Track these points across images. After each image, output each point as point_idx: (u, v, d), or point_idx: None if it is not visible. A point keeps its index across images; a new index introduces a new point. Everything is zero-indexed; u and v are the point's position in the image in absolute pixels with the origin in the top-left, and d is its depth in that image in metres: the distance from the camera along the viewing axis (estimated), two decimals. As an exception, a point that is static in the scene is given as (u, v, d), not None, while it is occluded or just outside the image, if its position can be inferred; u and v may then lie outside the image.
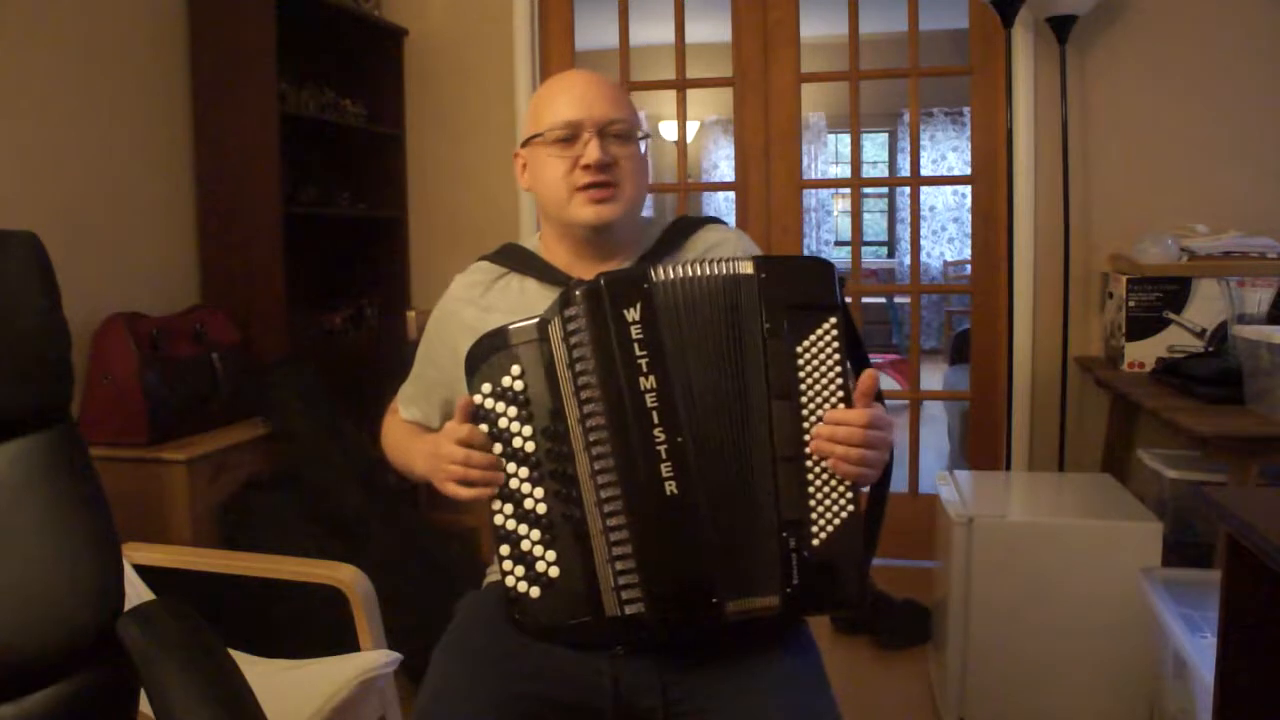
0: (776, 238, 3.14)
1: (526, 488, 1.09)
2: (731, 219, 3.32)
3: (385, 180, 3.22)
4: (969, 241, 3.31)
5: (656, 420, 1.04)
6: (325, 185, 3.04)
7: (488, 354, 1.11)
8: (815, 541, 1.06)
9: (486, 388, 1.10)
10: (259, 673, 1.56)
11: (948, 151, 8.00)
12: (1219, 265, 2.46)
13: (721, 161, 8.11)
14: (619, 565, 1.05)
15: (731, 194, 3.28)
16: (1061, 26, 2.69)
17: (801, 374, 1.06)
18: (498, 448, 1.10)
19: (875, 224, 8.90)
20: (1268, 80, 2.74)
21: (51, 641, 1.14)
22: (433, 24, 3.20)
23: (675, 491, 1.04)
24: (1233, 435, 1.90)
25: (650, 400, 1.04)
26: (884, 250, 8.79)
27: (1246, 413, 2.00)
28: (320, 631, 1.71)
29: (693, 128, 8.02)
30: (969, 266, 3.35)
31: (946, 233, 8.17)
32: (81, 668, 1.16)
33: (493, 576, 1.31)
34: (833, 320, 1.06)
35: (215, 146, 2.64)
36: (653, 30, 3.78)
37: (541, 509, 1.09)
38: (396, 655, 1.60)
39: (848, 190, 6.02)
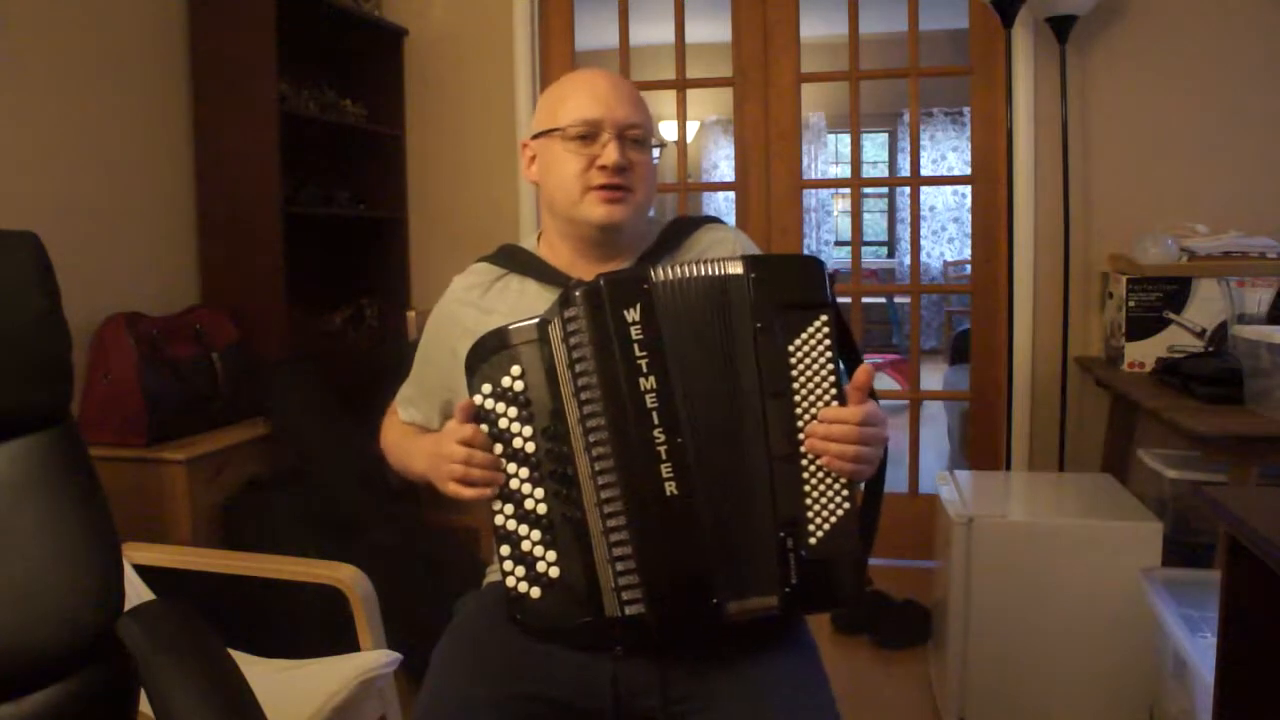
0: (776, 238, 3.14)
1: (527, 488, 1.09)
2: (731, 219, 3.32)
3: (385, 180, 3.22)
4: (969, 241, 3.31)
5: (656, 421, 1.04)
6: (325, 185, 3.04)
7: (488, 354, 1.11)
8: (812, 540, 1.06)
9: (487, 388, 1.10)
10: (259, 673, 1.56)
11: (948, 151, 8.00)
12: (1219, 265, 2.46)
13: (721, 161, 8.11)
14: (619, 566, 1.05)
15: (731, 194, 3.28)
16: (1061, 26, 2.69)
17: (794, 372, 1.06)
18: (498, 448, 1.10)
19: (875, 224, 8.90)
20: (1268, 80, 2.74)
21: (51, 641, 1.14)
22: (433, 24, 3.20)
23: (675, 492, 1.04)
24: (1233, 435, 1.90)
25: (650, 401, 1.04)
26: (884, 250, 8.79)
27: (1246, 413, 2.00)
28: (320, 631, 1.71)
29: (693, 128, 8.02)
30: (969, 266, 3.35)
31: (946, 233, 8.17)
32: (81, 668, 1.16)
33: (493, 576, 1.31)
34: (824, 318, 1.07)
35: (215, 146, 2.65)
36: (653, 30, 3.78)
37: (542, 509, 1.09)
38: (396, 655, 1.60)
39: (848, 190, 6.02)
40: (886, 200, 8.82)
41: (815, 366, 1.06)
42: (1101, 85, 2.83)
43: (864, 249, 7.53)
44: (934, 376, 5.34)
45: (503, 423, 1.10)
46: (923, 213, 7.93)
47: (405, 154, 3.24)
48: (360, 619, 1.60)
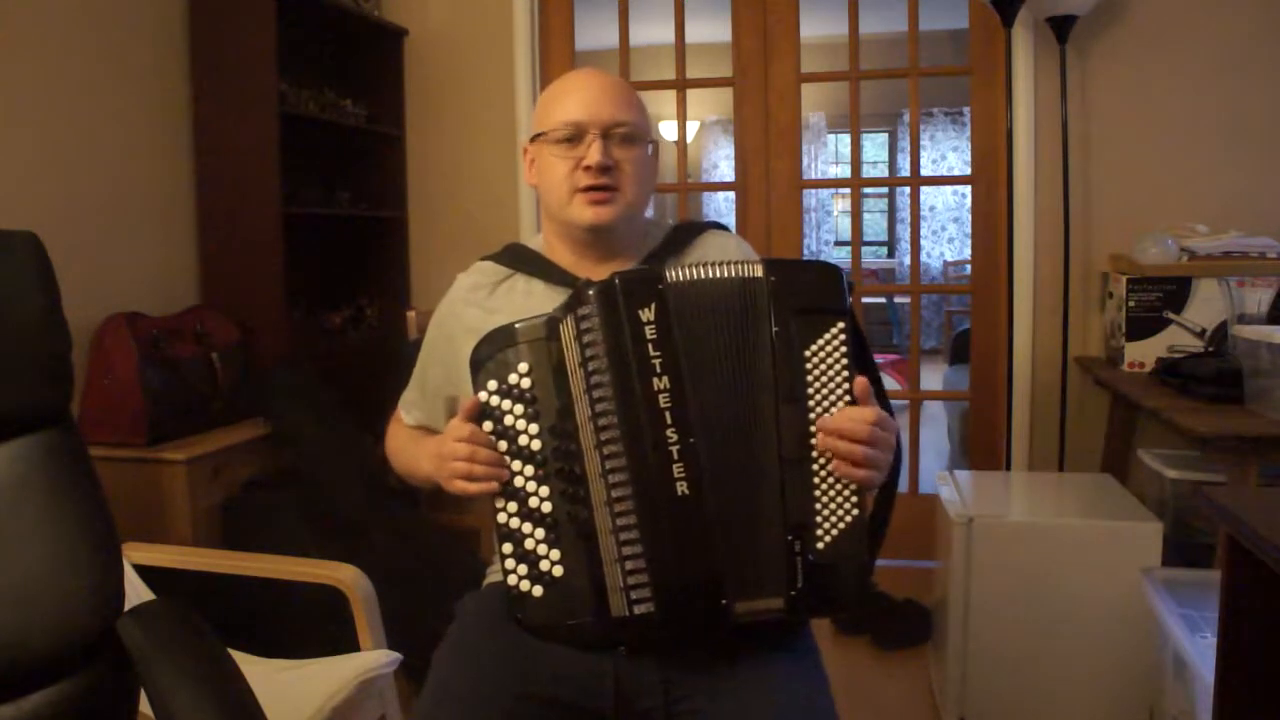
0: (776, 238, 3.14)
1: (531, 486, 1.09)
2: (731, 219, 3.32)
3: (385, 180, 3.22)
4: (969, 241, 3.31)
5: (669, 421, 1.04)
6: (325, 185, 3.04)
7: (493, 352, 1.10)
8: (820, 545, 1.06)
9: (492, 385, 1.10)
10: (259, 673, 1.55)
11: (948, 151, 8.00)
12: (1219, 265, 2.46)
13: (721, 161, 8.11)
14: (629, 565, 1.05)
15: (731, 194, 3.28)
16: (1061, 26, 2.69)
17: (809, 377, 1.06)
18: (502, 445, 1.09)
19: (875, 224, 8.90)
20: (1268, 80, 2.74)
21: (51, 641, 1.14)
22: (433, 24, 3.20)
23: (686, 492, 1.04)
24: (1233, 435, 1.90)
25: (664, 401, 1.04)
26: (884, 250, 8.79)
27: (1246, 413, 2.00)
28: (320, 631, 1.71)
29: (693, 128, 8.02)
30: (969, 266, 3.35)
31: (946, 233, 8.17)
32: (81, 668, 1.16)
33: (493, 577, 1.31)
34: (841, 325, 1.07)
35: (215, 146, 2.65)
36: (653, 30, 3.78)
37: (546, 507, 1.08)
38: (396, 655, 1.60)
39: (848, 190, 6.02)
40: (886, 200, 8.82)
41: (830, 373, 1.06)
42: (1101, 85, 2.83)
43: (864, 249, 7.53)
44: (934, 376, 5.34)
45: (508, 420, 1.09)
46: (923, 213, 7.93)
47: (405, 154, 3.24)
48: (360, 619, 1.60)
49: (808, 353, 1.06)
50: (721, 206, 8.08)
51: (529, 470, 1.09)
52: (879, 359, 5.76)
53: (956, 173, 7.84)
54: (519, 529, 1.09)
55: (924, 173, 7.10)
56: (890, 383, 5.29)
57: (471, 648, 1.17)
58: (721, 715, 1.08)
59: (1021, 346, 2.89)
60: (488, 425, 1.10)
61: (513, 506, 1.09)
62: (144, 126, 2.52)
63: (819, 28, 3.53)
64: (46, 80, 2.21)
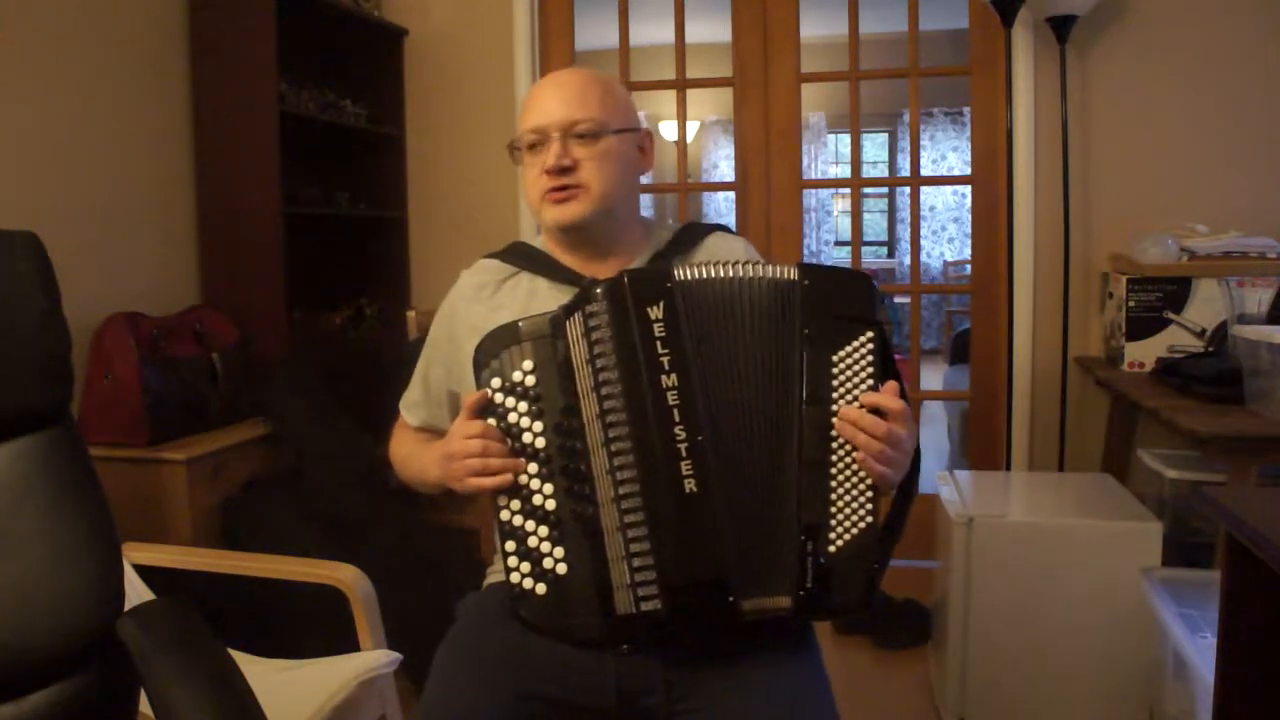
0: (776, 238, 3.14)
1: (535, 484, 1.09)
2: (731, 219, 3.32)
3: (385, 180, 3.22)
4: (969, 241, 3.31)
5: (678, 418, 1.04)
6: (325, 185, 3.04)
7: (498, 349, 1.11)
8: (832, 548, 1.06)
9: (496, 383, 1.10)
10: (259, 673, 1.56)
11: (948, 151, 8.00)
12: (1219, 265, 2.46)
13: (721, 161, 8.11)
14: (636, 563, 1.05)
15: (731, 194, 3.28)
16: (1061, 26, 2.69)
17: (835, 382, 1.07)
18: (506, 443, 1.09)
19: (875, 224, 8.90)
20: (1268, 80, 2.74)
21: (51, 641, 1.14)
22: (433, 24, 3.20)
23: (695, 489, 1.04)
24: (1233, 435, 1.90)
25: (672, 398, 1.04)
26: (884, 250, 8.79)
27: (1246, 413, 2.00)
28: (320, 631, 1.70)
29: (693, 128, 8.02)
30: (969, 266, 3.35)
31: (946, 233, 8.17)
32: (81, 668, 1.16)
33: (493, 577, 1.31)
34: (870, 334, 1.08)
35: (215, 147, 2.64)
36: (653, 30, 3.78)
37: (550, 505, 1.08)
38: (396, 655, 1.60)
39: (848, 190, 6.02)
40: (886, 200, 8.82)
41: (856, 380, 1.07)
42: (1101, 85, 2.83)
43: (864, 249, 7.52)
44: (934, 376, 5.34)
45: (512, 417, 1.10)
46: (923, 213, 7.93)
47: (405, 154, 3.24)
48: (360, 619, 1.60)
49: (835, 358, 1.07)
50: (721, 206, 8.07)
51: (532, 468, 1.09)
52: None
53: (956, 173, 7.84)
54: (522, 526, 1.09)
55: (924, 173, 7.10)
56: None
57: (473, 647, 1.17)
58: (723, 714, 1.09)
59: (1021, 346, 2.89)
60: (490, 423, 1.10)
61: (516, 504, 1.09)
62: (144, 126, 2.52)
63: (819, 28, 3.53)
64: (46, 80, 2.21)
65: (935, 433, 4.45)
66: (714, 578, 1.05)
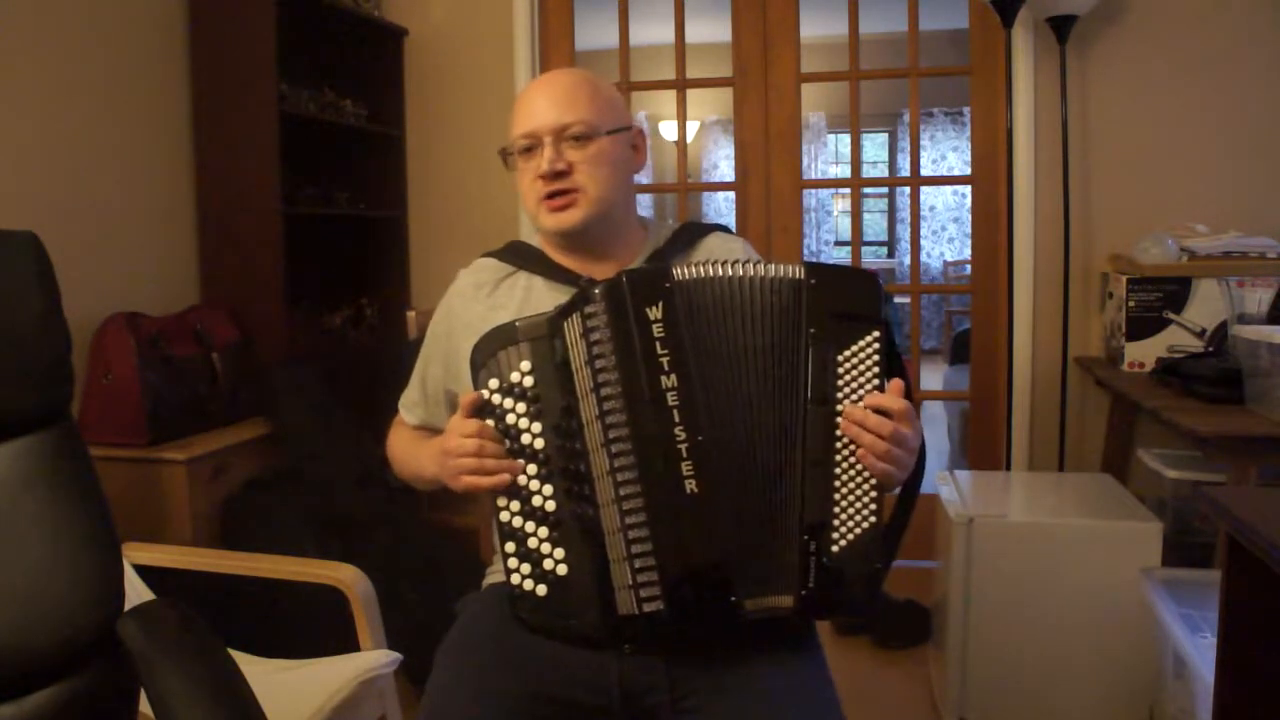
0: (777, 238, 3.14)
1: (535, 485, 1.09)
2: (731, 219, 3.32)
3: (385, 180, 3.22)
4: (969, 241, 3.31)
5: (678, 419, 1.04)
6: (325, 185, 3.04)
7: (495, 350, 1.10)
8: (835, 548, 1.06)
9: (493, 383, 1.10)
10: (259, 673, 1.56)
11: (948, 151, 8.00)
12: (1219, 265, 2.46)
13: (721, 161, 8.11)
14: (638, 563, 1.05)
15: (731, 194, 3.28)
16: (1061, 26, 2.69)
17: (840, 381, 1.06)
18: (504, 444, 1.09)
19: (875, 224, 8.89)
20: (1268, 80, 2.73)
21: (51, 641, 1.14)
22: (433, 24, 3.20)
23: (696, 490, 1.04)
24: (1233, 435, 1.90)
25: (671, 399, 1.04)
26: (884, 250, 8.79)
27: (1246, 413, 2.00)
28: (320, 631, 1.71)
29: (693, 128, 8.02)
30: (969, 266, 3.35)
31: (946, 233, 8.17)
32: (81, 668, 1.16)
33: (493, 577, 1.31)
34: (876, 334, 1.07)
35: (215, 147, 2.64)
36: (653, 30, 3.78)
37: (550, 506, 1.08)
38: (396, 655, 1.59)
39: (848, 190, 6.03)
40: (886, 200, 8.82)
41: (861, 379, 1.07)
42: (1101, 85, 2.83)
43: (864, 249, 7.54)
44: (934, 376, 5.34)
45: (510, 418, 1.09)
46: (923, 213, 7.93)
47: (405, 154, 3.24)
48: (360, 619, 1.60)
49: (841, 357, 1.07)
50: (721, 206, 8.07)
51: (531, 469, 1.09)
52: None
53: (956, 173, 7.84)
54: (522, 528, 1.09)
55: (924, 173, 7.10)
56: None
57: (473, 647, 1.17)
58: (726, 714, 1.08)
59: (1021, 346, 2.89)
60: (489, 423, 1.10)
61: (515, 505, 1.09)
62: (144, 126, 2.52)
63: (819, 28, 3.53)
64: (46, 80, 2.21)
65: (935, 433, 4.45)
66: (716, 578, 1.05)
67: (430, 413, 1.36)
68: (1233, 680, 1.20)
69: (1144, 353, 2.50)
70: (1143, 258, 2.53)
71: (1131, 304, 2.50)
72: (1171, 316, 2.48)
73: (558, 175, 1.21)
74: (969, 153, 3.10)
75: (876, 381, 1.07)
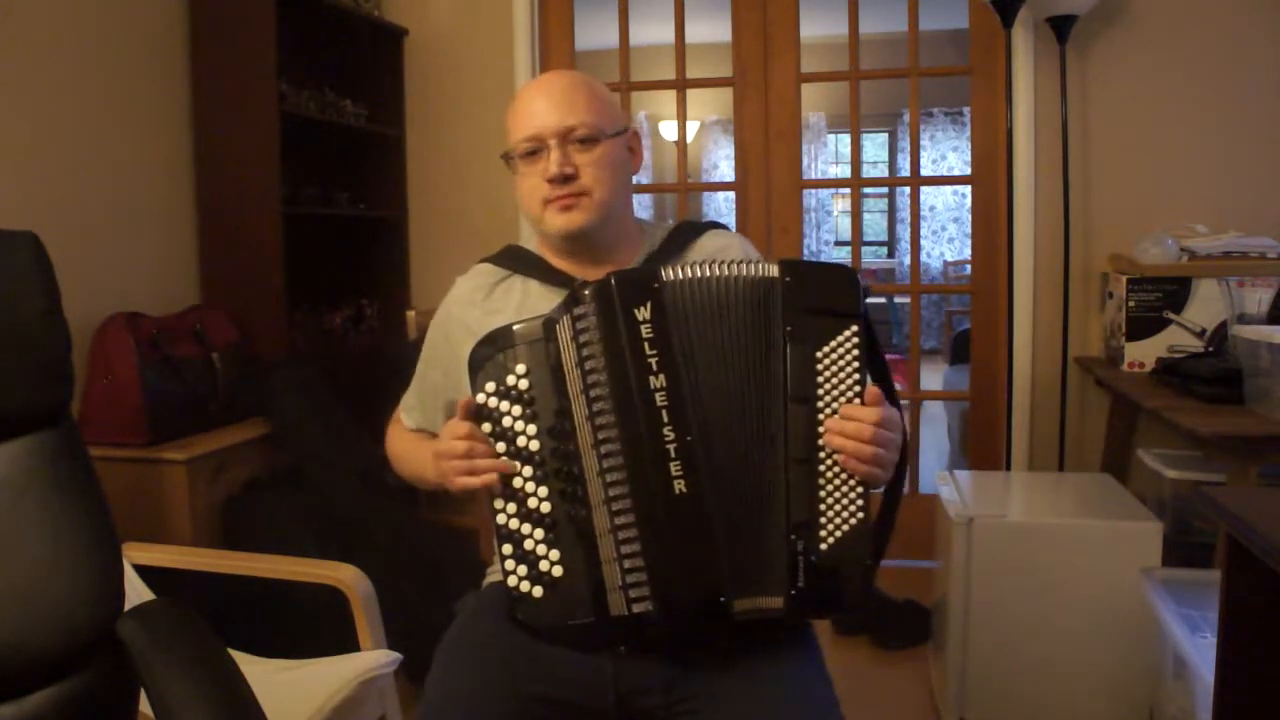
0: (777, 238, 3.14)
1: (530, 486, 1.09)
2: (731, 219, 3.33)
3: (385, 180, 3.22)
4: (969, 241, 3.31)
5: (666, 419, 1.04)
6: (325, 185, 3.04)
7: (492, 354, 1.11)
8: (823, 546, 1.06)
9: (490, 386, 1.10)
10: (259, 673, 1.56)
11: (948, 151, 8.00)
12: (1219, 265, 2.46)
13: (721, 161, 8.11)
14: (627, 564, 1.05)
15: (731, 194, 3.28)
16: (1061, 26, 2.69)
17: (820, 379, 1.06)
18: (501, 446, 1.10)
19: (875, 224, 8.90)
20: (1268, 81, 2.74)
21: (52, 641, 1.14)
22: (433, 24, 3.20)
23: (684, 490, 1.04)
24: (1233, 435, 1.90)
25: (660, 399, 1.04)
26: (884, 250, 8.79)
27: (1246, 413, 2.01)
28: (320, 631, 1.71)
29: (693, 128, 8.02)
30: (969, 266, 3.35)
31: (946, 233, 8.17)
32: (81, 668, 1.16)
33: (493, 577, 1.31)
34: (854, 328, 1.07)
35: (215, 146, 2.64)
36: (653, 30, 3.78)
37: (545, 508, 1.09)
38: (396, 655, 1.60)
39: (848, 190, 6.02)
40: (886, 200, 8.82)
41: (841, 375, 1.06)
42: (1101, 85, 2.83)
43: (864, 249, 7.54)
44: (934, 376, 5.33)
45: (506, 421, 1.10)
46: (923, 213, 7.93)
47: (405, 154, 3.24)
48: (360, 619, 1.60)
49: (820, 354, 1.06)
50: (721, 206, 8.07)
51: (528, 471, 1.09)
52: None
53: (956, 173, 7.84)
54: (518, 530, 1.09)
55: (924, 173, 7.10)
56: (890, 383, 5.32)
57: (472, 648, 1.17)
58: (723, 715, 1.08)
59: (1021, 346, 2.89)
60: (486, 427, 1.10)
61: (512, 507, 1.09)
62: (144, 126, 2.52)
63: (819, 28, 3.53)
64: (46, 80, 2.21)
65: (935, 433, 4.45)
66: (705, 578, 1.05)
67: (428, 418, 1.37)
68: (1233, 680, 1.21)
69: (1144, 353, 2.50)
70: (1143, 258, 2.53)
71: (1131, 304, 2.50)
72: (1171, 316, 2.48)
73: (565, 179, 1.20)
74: (969, 153, 3.10)
75: (857, 378, 1.06)
